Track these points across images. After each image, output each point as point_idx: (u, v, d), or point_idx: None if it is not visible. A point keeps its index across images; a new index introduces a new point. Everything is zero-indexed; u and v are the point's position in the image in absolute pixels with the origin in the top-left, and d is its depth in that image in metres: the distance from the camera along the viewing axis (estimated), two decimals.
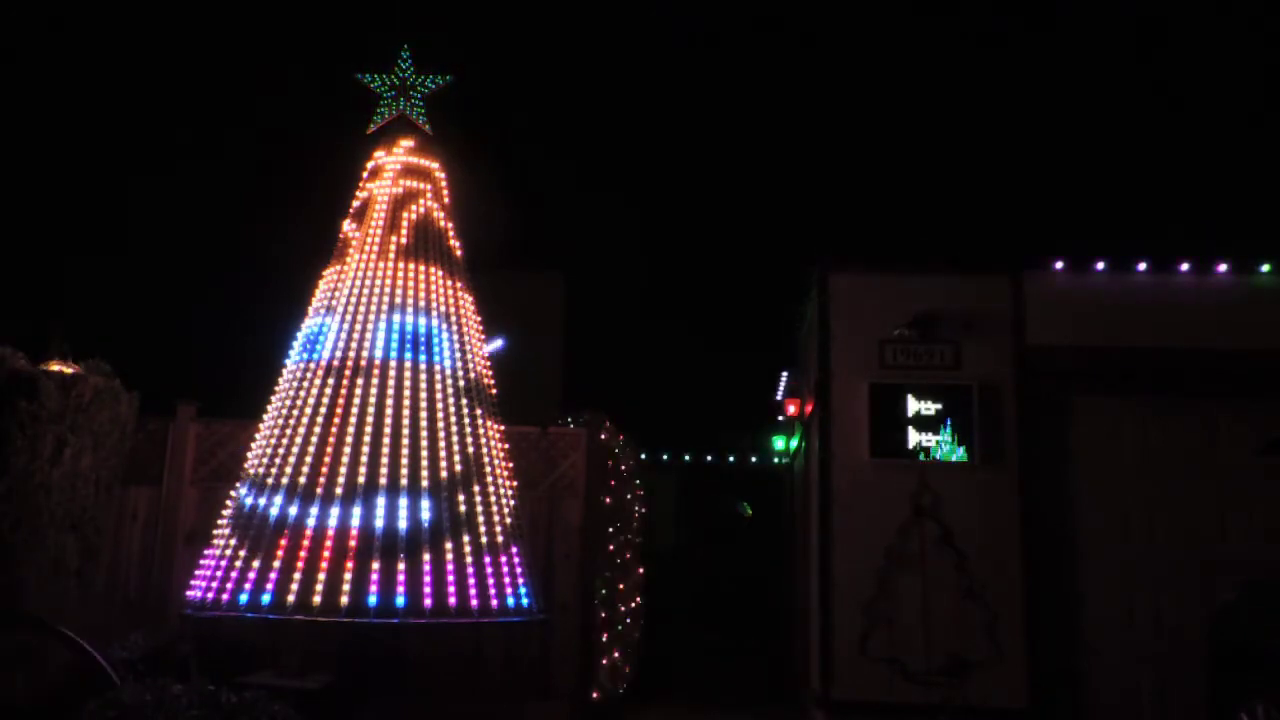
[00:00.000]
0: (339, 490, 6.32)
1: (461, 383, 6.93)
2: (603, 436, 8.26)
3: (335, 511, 6.24)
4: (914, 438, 7.91)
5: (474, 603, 6.29)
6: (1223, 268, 8.11)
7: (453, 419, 6.76)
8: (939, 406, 7.94)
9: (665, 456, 18.07)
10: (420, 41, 7.59)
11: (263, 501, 6.47)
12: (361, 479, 6.36)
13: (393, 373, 6.71)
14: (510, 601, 6.55)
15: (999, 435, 7.91)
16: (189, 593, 6.61)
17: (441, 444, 6.62)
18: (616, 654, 8.68)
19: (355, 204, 7.50)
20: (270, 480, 6.53)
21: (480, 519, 6.62)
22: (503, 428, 7.31)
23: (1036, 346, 8.03)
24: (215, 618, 6.30)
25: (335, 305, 7.00)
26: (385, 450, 6.45)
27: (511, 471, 7.27)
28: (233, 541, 6.46)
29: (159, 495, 8.02)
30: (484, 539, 6.58)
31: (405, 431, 6.55)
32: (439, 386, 6.79)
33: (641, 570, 11.59)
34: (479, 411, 6.98)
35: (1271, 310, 7.93)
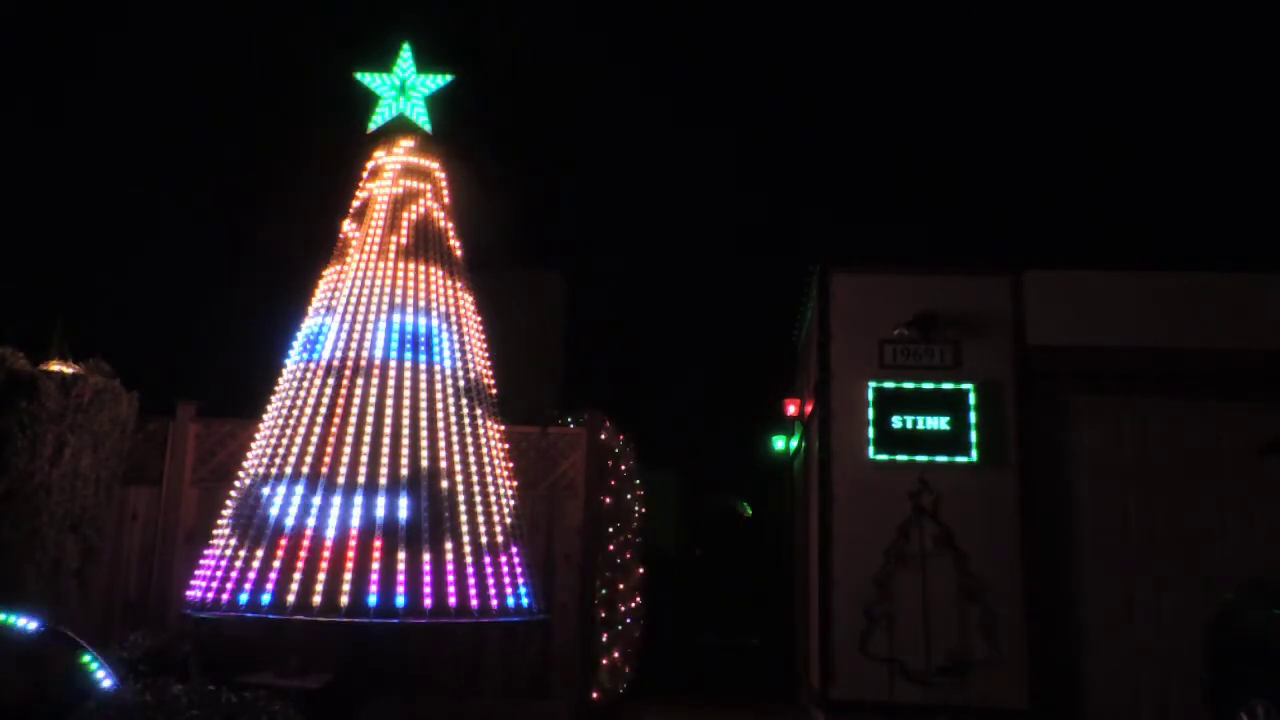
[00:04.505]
0: (339, 489, 6.33)
1: (461, 383, 6.93)
2: (603, 436, 8.26)
3: (335, 514, 6.24)
4: (914, 437, 7.91)
5: (474, 603, 6.29)
6: (1223, 267, 8.11)
7: (453, 419, 6.76)
8: (939, 406, 7.93)
9: (665, 456, 18.05)
10: (420, 41, 7.59)
11: (262, 502, 6.47)
12: (361, 480, 6.36)
13: (393, 373, 6.71)
14: (510, 601, 6.55)
15: (999, 435, 7.91)
16: (189, 593, 6.61)
17: (441, 444, 6.62)
18: (616, 654, 8.68)
19: (355, 204, 7.50)
20: (269, 482, 6.53)
21: (480, 519, 6.62)
22: (503, 428, 7.31)
23: (1036, 346, 8.03)
24: (215, 618, 6.30)
25: (335, 305, 7.00)
26: (385, 451, 6.45)
27: (511, 471, 7.27)
28: (233, 541, 6.45)
29: (159, 495, 8.02)
30: (484, 539, 6.58)
31: (405, 432, 6.55)
32: (439, 386, 6.79)
33: (641, 570, 11.59)
34: (479, 411, 6.98)
35: (1272, 310, 7.93)
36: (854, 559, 7.81)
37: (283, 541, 6.23)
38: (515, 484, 7.28)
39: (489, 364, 7.39)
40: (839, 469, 8.03)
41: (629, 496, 9.66)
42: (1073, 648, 7.72)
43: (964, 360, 8.06)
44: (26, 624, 5.10)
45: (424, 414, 6.65)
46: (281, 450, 6.60)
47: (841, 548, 7.88)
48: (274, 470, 6.55)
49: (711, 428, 19.31)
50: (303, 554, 6.14)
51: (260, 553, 6.24)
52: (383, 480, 6.37)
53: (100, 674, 5.00)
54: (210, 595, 6.29)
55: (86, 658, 5.03)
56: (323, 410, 6.62)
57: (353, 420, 6.53)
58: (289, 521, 6.28)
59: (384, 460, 6.43)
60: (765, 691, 10.78)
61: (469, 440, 6.81)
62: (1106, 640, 7.71)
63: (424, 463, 6.50)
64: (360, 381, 6.66)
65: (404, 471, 6.43)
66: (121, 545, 7.96)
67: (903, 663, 7.60)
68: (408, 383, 6.71)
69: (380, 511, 6.27)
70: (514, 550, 6.81)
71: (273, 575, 6.12)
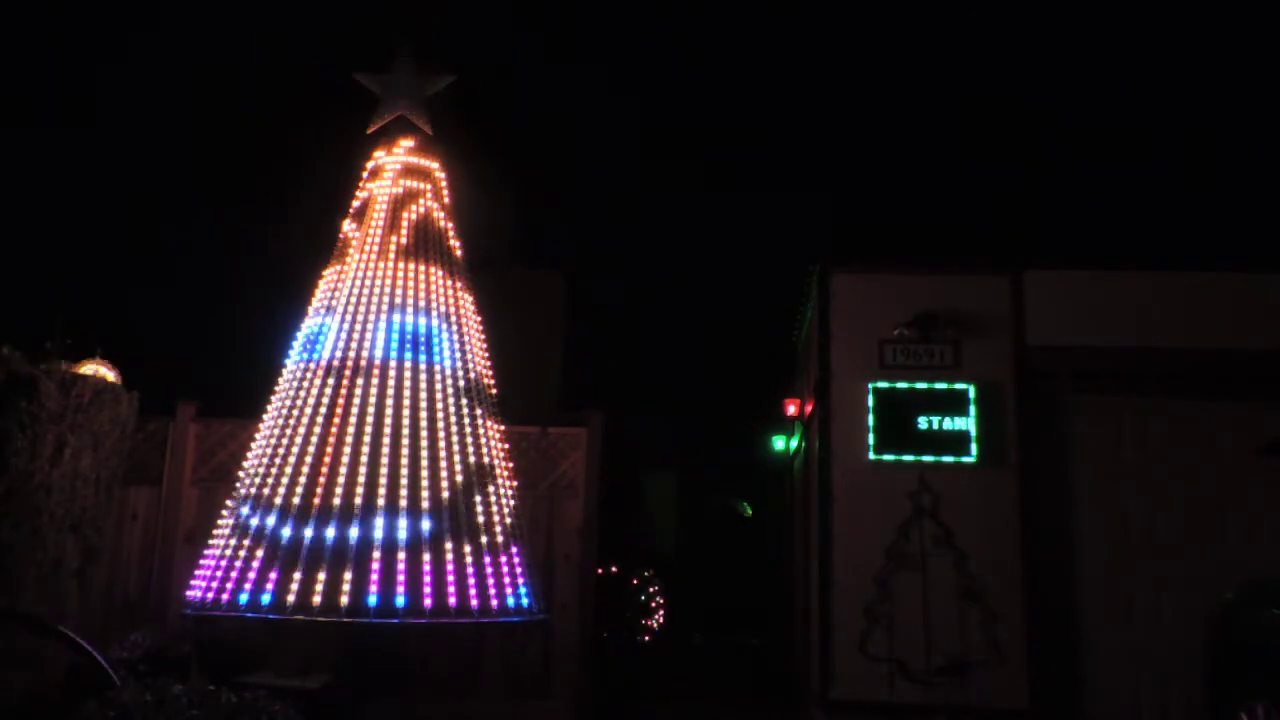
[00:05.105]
0: (339, 489, 6.33)
1: (461, 383, 6.93)
2: (602, 436, 8.26)
3: (336, 505, 6.24)
4: (914, 437, 7.91)
5: (474, 603, 6.30)
6: (1223, 267, 8.11)
7: (453, 419, 6.76)
8: (939, 406, 7.93)
9: (665, 456, 18.04)
10: (420, 41, 7.59)
11: (262, 503, 6.47)
12: (362, 478, 6.36)
13: (393, 373, 6.71)
14: (510, 601, 6.55)
15: (999, 435, 7.91)
16: (189, 593, 6.61)
17: (442, 445, 6.63)
18: (616, 653, 8.69)
19: (355, 204, 7.50)
20: (270, 482, 6.53)
21: (480, 519, 6.62)
22: (503, 428, 7.31)
23: (1036, 346, 8.02)
24: (215, 618, 6.30)
25: (335, 305, 7.01)
26: (385, 451, 6.46)
27: (511, 471, 7.27)
28: (233, 541, 6.46)
29: (159, 495, 8.03)
30: (484, 539, 6.58)
31: (405, 432, 6.55)
32: (439, 386, 6.80)
33: (641, 569, 11.59)
34: (479, 411, 6.99)
35: (1271, 310, 7.92)
36: (854, 559, 7.81)
37: (282, 541, 6.23)
38: (515, 484, 7.29)
39: (489, 364, 7.39)
40: (839, 469, 8.02)
41: (629, 496, 9.65)
42: (1073, 648, 7.71)
43: (964, 360, 8.05)
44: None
45: (424, 414, 6.66)
46: (281, 450, 6.60)
47: (841, 548, 7.88)
48: (274, 471, 6.56)
49: (711, 428, 19.28)
50: (303, 554, 6.14)
51: (260, 552, 6.24)
52: (383, 480, 6.37)
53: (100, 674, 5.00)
54: (210, 595, 6.30)
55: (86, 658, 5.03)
56: (323, 410, 6.62)
57: (353, 420, 6.54)
58: (289, 530, 6.29)
59: (384, 460, 6.43)
60: (765, 691, 10.79)
61: (469, 440, 6.81)
62: (1106, 640, 7.71)
63: (424, 467, 6.50)
64: (360, 381, 6.66)
65: (404, 472, 6.43)
66: (121, 545, 7.97)
67: (903, 663, 7.59)
68: (408, 383, 6.71)
69: (380, 508, 6.27)
70: (514, 550, 6.82)
71: (273, 575, 6.12)
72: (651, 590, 12.24)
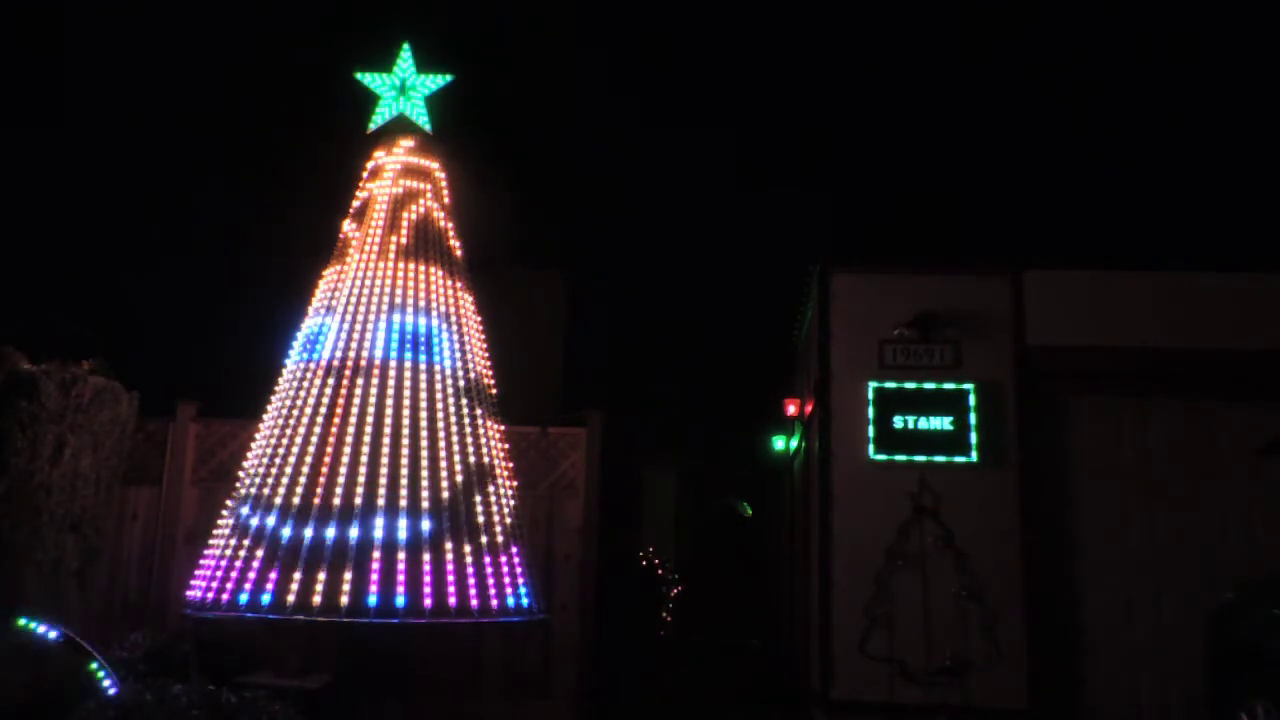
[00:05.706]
0: (339, 489, 6.33)
1: (461, 383, 6.93)
2: (602, 436, 8.26)
3: (336, 505, 6.24)
4: (914, 437, 7.91)
5: (474, 603, 6.29)
6: (1222, 267, 8.11)
7: (453, 419, 6.76)
8: (939, 406, 7.93)
9: (665, 456, 18.04)
10: (420, 41, 7.59)
11: (262, 503, 6.46)
12: (362, 478, 6.36)
13: (393, 373, 6.71)
14: (510, 601, 6.55)
15: (999, 435, 7.91)
16: (189, 593, 6.61)
17: (442, 445, 6.62)
18: (616, 654, 8.68)
19: (355, 204, 7.50)
20: (270, 482, 6.53)
21: (480, 519, 6.62)
22: (503, 428, 7.31)
23: (1036, 346, 8.03)
24: (215, 618, 6.30)
25: (335, 305, 7.01)
26: (385, 451, 6.45)
27: (512, 471, 7.27)
28: (233, 541, 6.45)
29: (159, 495, 8.03)
30: (484, 539, 6.58)
31: (405, 432, 6.55)
32: (439, 386, 6.79)
33: (641, 570, 11.59)
34: (479, 411, 6.98)
35: (1272, 310, 7.93)
36: (854, 559, 7.81)
37: (282, 541, 6.23)
38: (515, 484, 7.28)
39: (489, 364, 7.39)
40: (839, 469, 8.02)
41: (628, 496, 9.65)
42: (1073, 648, 7.72)
43: (964, 360, 8.06)
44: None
45: (424, 414, 6.65)
46: (281, 450, 6.60)
47: (841, 548, 7.88)
48: (274, 470, 6.55)
49: (711, 428, 19.28)
50: (303, 554, 6.14)
51: (260, 552, 6.24)
52: (383, 480, 6.37)
53: (105, 681, 5.00)
54: (210, 595, 6.29)
55: (93, 665, 5.02)
56: (323, 410, 6.62)
57: (353, 420, 6.53)
58: (288, 531, 6.28)
59: (384, 460, 6.43)
60: (765, 691, 10.79)
61: (469, 440, 6.81)
62: (1106, 640, 7.71)
63: (424, 467, 6.50)
64: (360, 381, 6.66)
65: (404, 472, 6.43)
66: (121, 545, 7.97)
67: (903, 663, 7.60)
68: (408, 383, 6.71)
69: (380, 508, 6.27)
70: (514, 550, 6.81)
71: (273, 575, 6.12)
72: (652, 590, 12.24)
